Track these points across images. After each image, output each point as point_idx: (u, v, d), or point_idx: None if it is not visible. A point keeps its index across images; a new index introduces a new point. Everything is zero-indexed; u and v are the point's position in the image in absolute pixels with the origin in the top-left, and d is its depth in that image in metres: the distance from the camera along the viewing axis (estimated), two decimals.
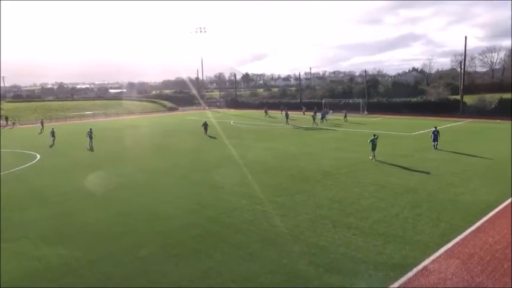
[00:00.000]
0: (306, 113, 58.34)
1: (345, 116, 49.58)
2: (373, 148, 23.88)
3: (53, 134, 37.12)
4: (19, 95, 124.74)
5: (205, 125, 40.57)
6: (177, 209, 15.89)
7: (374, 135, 24.44)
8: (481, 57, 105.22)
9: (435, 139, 27.13)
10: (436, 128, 27.66)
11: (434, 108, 52.90)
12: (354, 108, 58.14)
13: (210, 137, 38.23)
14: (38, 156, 29.53)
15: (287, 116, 49.51)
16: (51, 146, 35.28)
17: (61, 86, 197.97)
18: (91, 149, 32.87)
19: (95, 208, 16.48)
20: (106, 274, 10.54)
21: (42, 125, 50.76)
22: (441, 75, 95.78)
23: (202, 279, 10.05)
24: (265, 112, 61.37)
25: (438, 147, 26.93)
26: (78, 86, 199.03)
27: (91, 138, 34.21)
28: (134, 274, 10.48)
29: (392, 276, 9.78)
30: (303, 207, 15.44)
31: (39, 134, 45.45)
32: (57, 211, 16.21)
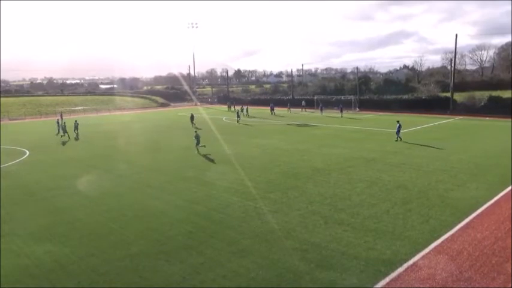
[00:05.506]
0: (305, 109, 60.75)
1: (341, 111, 52.09)
2: (197, 143, 26.99)
3: (64, 127, 39.10)
4: (8, 90, 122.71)
5: (191, 117, 44.43)
6: (168, 206, 15.82)
7: (196, 131, 28.55)
8: (471, 55, 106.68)
9: (398, 131, 29.56)
10: (398, 121, 29.99)
11: (424, 105, 53.31)
12: (346, 105, 58.40)
13: (197, 128, 40.01)
14: (28, 153, 29.16)
15: (238, 114, 48.23)
16: (60, 135, 37.86)
17: (50, 81, 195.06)
18: (77, 138, 36.46)
19: (84, 204, 16.31)
20: (96, 271, 10.45)
21: (62, 117, 51.26)
22: (432, 72, 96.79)
23: (194, 275, 10.03)
24: (228, 107, 67.41)
25: (403, 138, 29.52)
26: (68, 81, 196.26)
27: (77, 128, 37.88)
28: (125, 270, 10.41)
29: (383, 272, 9.87)
30: (294, 204, 15.48)
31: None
32: (47, 207, 16.03)
